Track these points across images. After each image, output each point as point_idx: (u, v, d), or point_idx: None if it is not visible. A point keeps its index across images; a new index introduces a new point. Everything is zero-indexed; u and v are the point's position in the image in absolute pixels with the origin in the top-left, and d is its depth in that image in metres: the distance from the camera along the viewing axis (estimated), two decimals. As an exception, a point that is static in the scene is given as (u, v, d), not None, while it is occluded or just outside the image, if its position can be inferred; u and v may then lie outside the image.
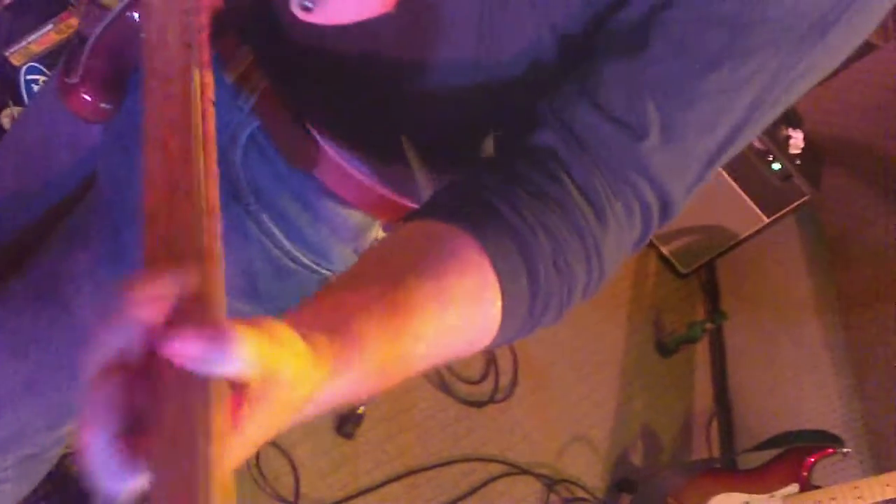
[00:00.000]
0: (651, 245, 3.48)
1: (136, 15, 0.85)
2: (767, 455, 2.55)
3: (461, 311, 0.65)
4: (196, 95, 0.66)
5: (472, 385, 2.73)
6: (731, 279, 3.49)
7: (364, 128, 0.90)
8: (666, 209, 0.75)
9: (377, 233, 0.97)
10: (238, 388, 0.50)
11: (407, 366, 0.64)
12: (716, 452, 3.11)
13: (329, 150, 0.90)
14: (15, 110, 2.01)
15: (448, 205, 0.73)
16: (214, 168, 0.62)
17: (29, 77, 2.03)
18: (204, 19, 0.74)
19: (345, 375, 0.58)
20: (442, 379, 2.67)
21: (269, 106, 0.91)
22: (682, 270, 3.48)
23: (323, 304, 0.62)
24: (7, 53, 2.02)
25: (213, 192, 0.59)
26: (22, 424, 1.06)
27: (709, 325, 3.27)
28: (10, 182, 1.16)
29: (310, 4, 0.76)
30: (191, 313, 0.51)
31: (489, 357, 2.79)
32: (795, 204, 3.17)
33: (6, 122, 2.04)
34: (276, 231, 0.93)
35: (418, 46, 0.80)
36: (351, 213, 0.94)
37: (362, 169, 0.91)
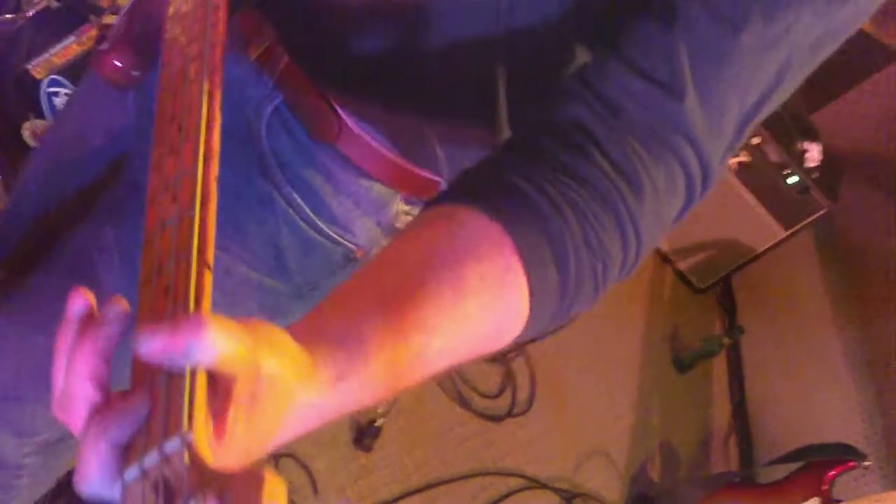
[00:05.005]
0: (667, 260, 3.47)
1: None
2: (787, 469, 2.53)
3: (480, 299, 0.62)
4: (204, 82, 0.68)
5: (489, 399, 2.72)
6: (748, 294, 3.47)
7: (384, 100, 0.92)
8: (706, 175, 0.71)
9: (398, 206, 0.98)
10: (223, 392, 0.50)
11: (425, 362, 0.61)
12: (734, 467, 3.08)
13: (350, 122, 0.92)
14: (37, 124, 2.02)
15: (467, 187, 0.70)
16: (217, 113, 0.65)
17: (50, 90, 2.04)
18: None
19: (352, 379, 0.56)
20: (460, 393, 2.66)
21: (292, 80, 0.93)
22: (699, 286, 3.46)
23: (329, 310, 0.61)
24: (29, 66, 2.03)
25: (214, 137, 0.63)
26: (42, 403, 1.04)
27: (726, 340, 3.24)
28: (49, 164, 1.19)
29: None
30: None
31: (507, 371, 2.78)
32: (813, 217, 3.16)
33: (27, 136, 2.05)
34: (302, 203, 0.95)
35: (434, 19, 0.81)
36: (372, 185, 0.96)
37: (382, 141, 0.93)
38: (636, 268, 0.71)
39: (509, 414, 2.73)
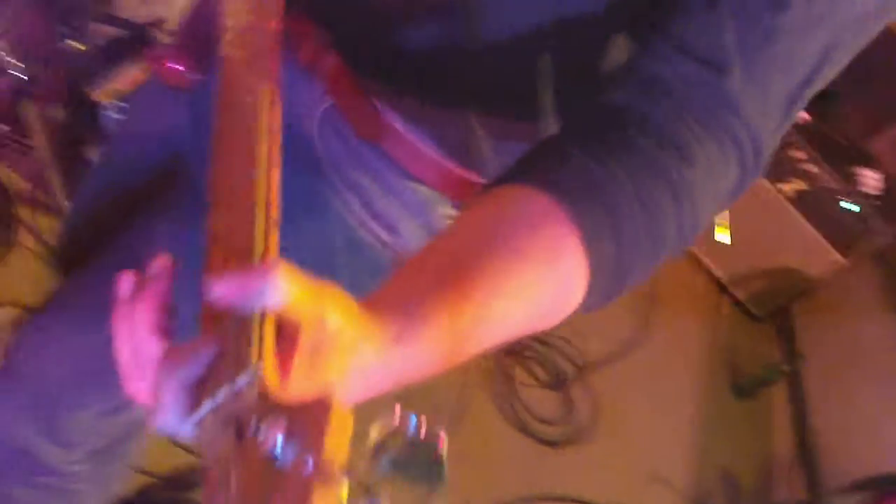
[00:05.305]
0: (724, 289, 3.44)
1: None
2: (856, 498, 2.47)
3: (535, 267, 0.63)
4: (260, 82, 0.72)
5: (548, 425, 2.71)
6: (808, 321, 3.42)
7: (431, 98, 0.93)
8: (757, 151, 0.72)
9: (446, 210, 0.99)
10: (289, 339, 0.52)
11: (483, 330, 0.62)
12: (798, 495, 3.01)
13: (395, 124, 0.94)
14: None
15: (517, 169, 0.71)
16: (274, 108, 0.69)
17: (115, 116, 2.09)
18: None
19: (412, 342, 0.58)
20: (519, 418, 2.66)
21: (340, 83, 0.95)
22: (757, 314, 3.42)
23: (387, 287, 0.63)
24: (95, 92, 2.08)
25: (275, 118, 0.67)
26: (85, 411, 1.07)
27: (786, 368, 3.20)
28: (107, 166, 1.22)
29: None
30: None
31: (566, 397, 2.78)
32: (873, 245, 3.12)
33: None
34: (353, 203, 0.97)
35: (482, 11, 0.82)
36: (418, 186, 0.97)
37: (428, 142, 0.94)
38: (691, 239, 0.71)
39: (568, 440, 2.71)
